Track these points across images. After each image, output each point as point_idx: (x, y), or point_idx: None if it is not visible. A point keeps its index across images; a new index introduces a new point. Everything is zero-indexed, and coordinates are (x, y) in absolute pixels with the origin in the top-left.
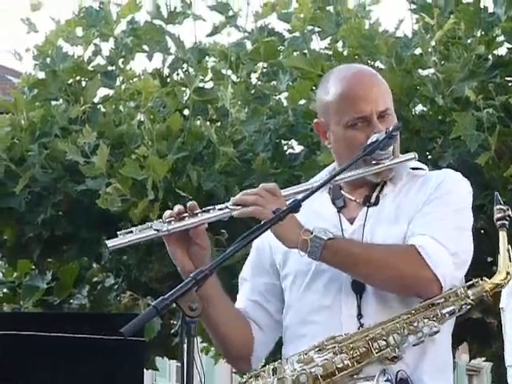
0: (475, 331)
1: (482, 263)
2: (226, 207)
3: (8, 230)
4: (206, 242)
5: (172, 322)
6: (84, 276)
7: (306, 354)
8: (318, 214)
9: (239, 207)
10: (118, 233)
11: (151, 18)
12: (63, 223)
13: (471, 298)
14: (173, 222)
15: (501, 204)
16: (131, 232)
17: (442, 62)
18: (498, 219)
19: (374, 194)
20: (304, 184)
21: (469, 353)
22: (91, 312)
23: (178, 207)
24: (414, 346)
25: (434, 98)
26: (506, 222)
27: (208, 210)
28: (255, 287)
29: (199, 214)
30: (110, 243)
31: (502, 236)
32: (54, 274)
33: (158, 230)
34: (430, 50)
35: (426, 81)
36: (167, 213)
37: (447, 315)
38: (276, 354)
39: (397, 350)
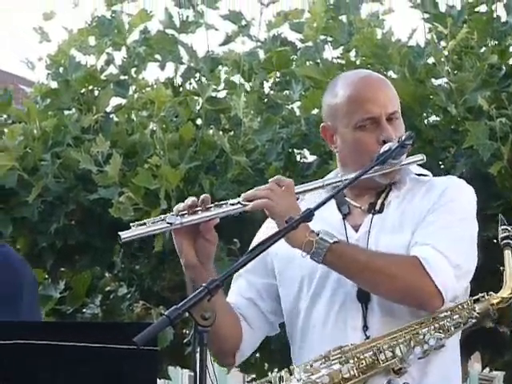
0: (488, 340)
1: (494, 272)
2: (238, 202)
3: (21, 239)
4: (215, 236)
5: (185, 331)
6: (97, 285)
7: (312, 364)
8: (324, 219)
9: (251, 202)
10: (131, 224)
11: (164, 28)
12: (76, 232)
13: (477, 311)
14: (185, 216)
15: (505, 224)
16: (144, 224)
17: (455, 72)
18: (503, 239)
19: (379, 201)
20: (315, 182)
21: (481, 362)
22: (104, 321)
23: (191, 199)
24: (419, 359)
25: (447, 107)
26: (511, 242)
27: (220, 205)
28: (252, 285)
29: (212, 209)
30: (124, 234)
31: (507, 254)
32: (67, 284)
33: (170, 223)
34: (442, 59)
35: (438, 90)
36: (180, 205)
37: (453, 328)
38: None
39: (403, 362)
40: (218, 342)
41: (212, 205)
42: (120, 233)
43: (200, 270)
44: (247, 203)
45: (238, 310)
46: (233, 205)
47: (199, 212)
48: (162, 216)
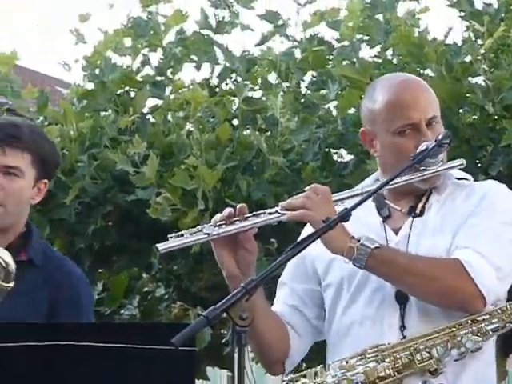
0: None
1: None
2: (276, 211)
3: (58, 241)
4: (254, 246)
5: (223, 331)
6: (134, 286)
7: (348, 361)
8: (363, 222)
9: (289, 212)
10: (169, 236)
11: (199, 28)
12: (113, 234)
13: None
14: (223, 226)
15: None
16: (182, 235)
17: (492, 70)
18: None
19: (420, 205)
20: (353, 189)
21: None
22: (141, 322)
23: (228, 210)
24: (455, 361)
25: (484, 105)
26: None
27: (258, 214)
28: (294, 292)
29: (249, 218)
30: (161, 246)
31: None
32: (105, 285)
33: (208, 234)
34: (479, 57)
35: (475, 88)
36: (217, 216)
37: (491, 332)
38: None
39: (439, 363)
40: (267, 352)
41: (250, 214)
42: (157, 245)
43: (242, 280)
44: (285, 212)
45: (284, 319)
46: (270, 214)
47: (237, 222)
48: (200, 226)
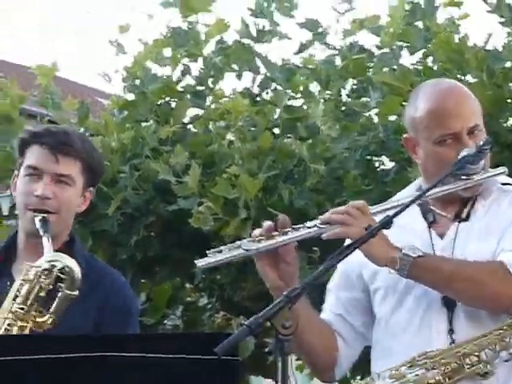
0: None
1: None
2: (315, 225)
3: (101, 252)
4: (295, 259)
5: (266, 340)
6: (177, 296)
7: (397, 370)
8: (408, 229)
9: (327, 226)
10: (208, 252)
11: (240, 37)
12: (155, 244)
13: None
14: (262, 241)
15: None
16: (220, 251)
17: None
18: None
19: (466, 210)
20: (391, 201)
21: None
22: (184, 332)
23: (267, 224)
24: (505, 361)
25: None
26: None
27: (298, 228)
28: (339, 300)
29: (288, 233)
30: (200, 263)
31: None
32: (148, 296)
33: (247, 250)
34: None
35: None
36: (257, 231)
37: None
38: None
39: (488, 366)
40: (316, 359)
41: (289, 228)
42: (196, 261)
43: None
44: (324, 226)
45: (332, 327)
46: (309, 228)
47: (276, 237)
48: (239, 242)
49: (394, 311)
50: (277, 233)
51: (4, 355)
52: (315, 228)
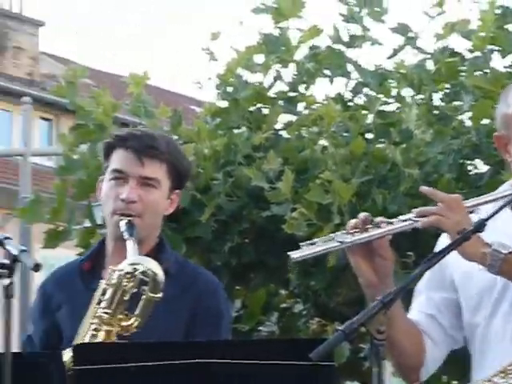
0: None
1: None
2: (409, 218)
3: (195, 258)
4: (390, 253)
5: (361, 346)
6: (272, 303)
7: (490, 379)
8: (501, 231)
9: (422, 218)
10: (301, 244)
11: (332, 43)
12: (250, 251)
13: None
14: (356, 234)
15: None
16: (314, 243)
17: None
18: None
19: None
20: (487, 195)
21: None
22: (279, 338)
23: (363, 215)
24: None
25: None
26: None
27: (391, 222)
28: (431, 300)
29: (382, 225)
30: (294, 255)
31: None
32: (243, 302)
33: (341, 242)
34: None
35: None
36: (352, 222)
37: None
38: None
39: None
40: (403, 358)
41: (384, 220)
42: (290, 253)
43: (380, 289)
44: (418, 219)
45: (420, 327)
46: (404, 221)
47: (370, 229)
48: (332, 234)
49: (489, 319)
50: (370, 226)
51: (110, 363)
52: (409, 221)
